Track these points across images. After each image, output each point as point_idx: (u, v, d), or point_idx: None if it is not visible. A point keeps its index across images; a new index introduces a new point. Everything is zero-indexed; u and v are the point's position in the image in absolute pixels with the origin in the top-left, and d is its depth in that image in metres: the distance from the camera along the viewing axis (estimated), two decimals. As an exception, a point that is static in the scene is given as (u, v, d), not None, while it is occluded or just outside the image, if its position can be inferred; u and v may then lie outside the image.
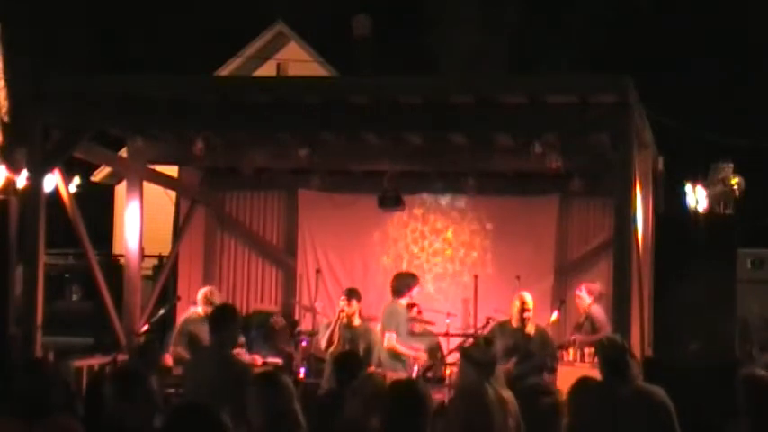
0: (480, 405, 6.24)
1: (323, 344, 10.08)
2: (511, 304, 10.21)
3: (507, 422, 6.84)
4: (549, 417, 5.18)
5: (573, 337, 10.33)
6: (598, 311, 10.45)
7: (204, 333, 10.25)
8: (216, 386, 6.42)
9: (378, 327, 10.32)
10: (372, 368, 9.38)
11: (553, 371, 9.81)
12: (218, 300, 10.40)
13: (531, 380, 9.73)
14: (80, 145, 10.24)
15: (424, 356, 10.48)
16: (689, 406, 6.35)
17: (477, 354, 7.39)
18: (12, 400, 5.22)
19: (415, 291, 10.60)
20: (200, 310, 10.41)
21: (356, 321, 10.00)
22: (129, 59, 25.50)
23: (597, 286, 10.70)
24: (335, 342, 9.88)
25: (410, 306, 10.89)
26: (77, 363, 9.99)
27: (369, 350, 9.74)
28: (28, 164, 9.83)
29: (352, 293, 10.10)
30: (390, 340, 10.19)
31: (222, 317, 7.13)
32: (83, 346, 12.31)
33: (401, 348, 10.28)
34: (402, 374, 9.96)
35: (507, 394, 7.34)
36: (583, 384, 6.15)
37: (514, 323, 10.05)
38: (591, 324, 10.45)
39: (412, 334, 10.60)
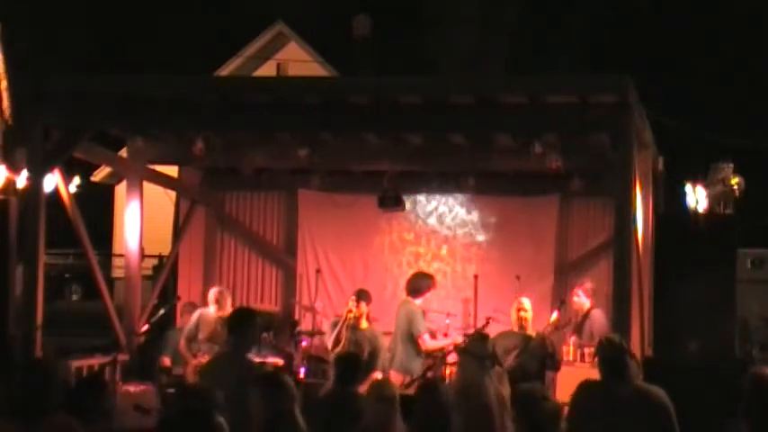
0: (480, 402, 6.25)
1: (330, 344, 10.00)
2: (510, 308, 10.25)
3: (505, 420, 6.87)
4: (551, 420, 5.23)
5: (569, 335, 10.31)
6: (599, 317, 10.18)
7: (207, 330, 10.41)
8: (233, 388, 6.42)
9: (382, 337, 10.19)
10: (377, 374, 9.32)
11: (556, 368, 9.79)
12: (225, 300, 10.60)
13: (529, 384, 9.65)
14: (80, 145, 10.23)
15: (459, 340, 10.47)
16: (689, 406, 6.35)
17: (475, 348, 7.44)
18: (11, 400, 5.21)
19: (431, 293, 10.57)
20: (211, 310, 10.70)
21: (363, 324, 9.90)
22: (129, 59, 25.50)
23: (590, 285, 10.62)
24: (342, 342, 9.76)
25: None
26: (77, 363, 9.99)
27: (374, 355, 9.64)
28: (28, 164, 9.83)
29: (361, 295, 9.97)
30: (427, 343, 10.14)
31: (239, 320, 7.14)
32: (83, 346, 12.30)
33: (438, 345, 10.21)
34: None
35: (507, 392, 7.36)
36: (584, 386, 6.16)
37: (515, 329, 10.09)
38: (590, 328, 10.26)
39: None
